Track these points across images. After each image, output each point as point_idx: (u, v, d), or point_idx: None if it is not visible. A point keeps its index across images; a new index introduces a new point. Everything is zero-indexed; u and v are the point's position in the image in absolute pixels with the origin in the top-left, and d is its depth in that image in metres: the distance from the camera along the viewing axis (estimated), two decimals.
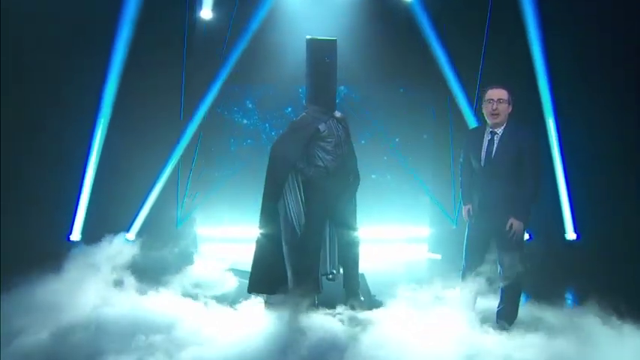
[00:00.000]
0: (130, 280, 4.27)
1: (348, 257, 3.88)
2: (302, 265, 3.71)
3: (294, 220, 3.70)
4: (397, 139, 6.36)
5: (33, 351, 3.05)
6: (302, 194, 3.74)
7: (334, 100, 3.80)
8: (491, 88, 3.46)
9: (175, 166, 5.64)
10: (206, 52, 5.92)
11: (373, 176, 6.34)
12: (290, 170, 3.70)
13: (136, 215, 5.42)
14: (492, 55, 5.22)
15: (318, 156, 3.71)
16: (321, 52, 3.65)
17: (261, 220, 3.79)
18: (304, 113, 3.84)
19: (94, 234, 5.04)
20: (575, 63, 5.11)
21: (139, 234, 5.37)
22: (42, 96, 5.07)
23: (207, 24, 5.98)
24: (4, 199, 4.81)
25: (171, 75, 5.59)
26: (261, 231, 3.81)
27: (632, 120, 5.02)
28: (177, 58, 5.66)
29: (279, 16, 5.78)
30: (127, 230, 5.32)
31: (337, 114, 3.83)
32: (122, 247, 4.65)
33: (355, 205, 3.94)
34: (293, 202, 3.72)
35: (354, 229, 3.88)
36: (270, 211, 3.74)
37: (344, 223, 3.86)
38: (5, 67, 4.85)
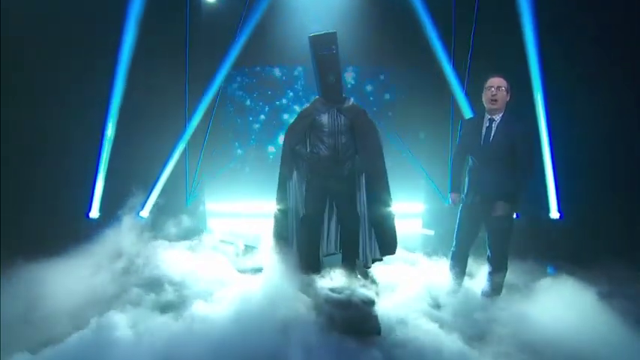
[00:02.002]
0: (145, 253, 4.67)
1: (348, 237, 4.04)
2: (304, 241, 3.96)
3: (298, 200, 3.96)
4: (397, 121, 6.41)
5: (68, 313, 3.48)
6: (304, 176, 3.99)
7: (336, 91, 3.81)
8: (492, 77, 3.63)
9: (185, 148, 5.86)
10: (211, 34, 6.00)
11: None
12: (292, 154, 3.93)
13: (149, 194, 5.66)
14: (485, 43, 5.39)
15: (314, 143, 3.92)
16: (319, 47, 3.67)
17: (276, 197, 4.06)
18: (309, 104, 4.03)
19: (111, 212, 5.40)
20: (565, 51, 5.26)
21: (152, 211, 5.66)
22: (56, 80, 5.23)
23: (211, 7, 6.08)
24: (28, 180, 5.10)
25: (178, 60, 5.74)
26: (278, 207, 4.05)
27: (617, 108, 5.27)
28: (183, 42, 5.78)
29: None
30: (141, 208, 5.60)
31: (347, 104, 3.88)
32: (137, 223, 5.03)
33: (356, 190, 4.00)
34: (299, 183, 3.97)
35: (354, 212, 3.99)
36: (282, 190, 3.99)
37: (343, 206, 4.01)
38: (22, 52, 5.03)
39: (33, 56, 5.12)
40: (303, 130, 3.94)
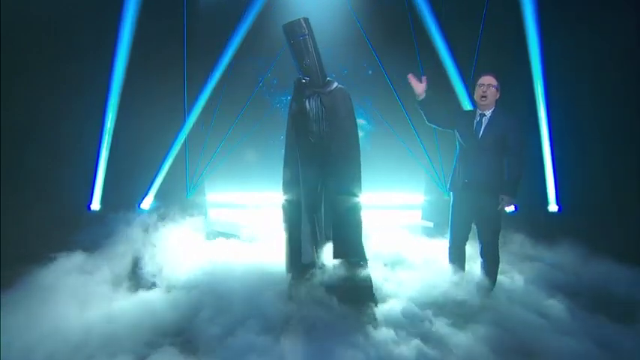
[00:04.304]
0: (145, 245, 4.68)
1: (338, 229, 3.78)
2: (299, 228, 3.80)
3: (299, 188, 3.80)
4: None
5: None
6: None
7: (314, 76, 3.68)
8: (483, 75, 3.82)
9: (185, 139, 5.89)
10: (212, 23, 5.99)
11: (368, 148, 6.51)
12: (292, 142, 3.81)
13: (150, 186, 5.72)
14: (487, 40, 5.37)
15: (302, 129, 3.75)
16: (291, 34, 3.63)
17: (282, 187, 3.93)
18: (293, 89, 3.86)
19: (112, 204, 5.46)
20: (567, 48, 5.28)
21: (153, 203, 5.72)
22: (55, 71, 5.26)
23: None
24: (28, 173, 5.16)
25: (178, 50, 5.73)
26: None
27: (618, 101, 5.30)
28: (183, 31, 5.77)
29: None
30: (142, 200, 5.68)
31: (329, 88, 3.73)
32: (138, 215, 5.08)
33: (350, 180, 3.72)
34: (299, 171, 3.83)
35: (345, 204, 3.72)
36: (286, 176, 3.85)
37: (332, 192, 3.76)
38: (21, 44, 5.06)
39: (32, 48, 5.14)
40: (292, 115, 3.81)
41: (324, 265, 3.73)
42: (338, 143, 3.68)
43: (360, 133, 3.88)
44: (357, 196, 3.69)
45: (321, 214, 3.80)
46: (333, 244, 3.70)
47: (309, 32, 3.64)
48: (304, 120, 3.73)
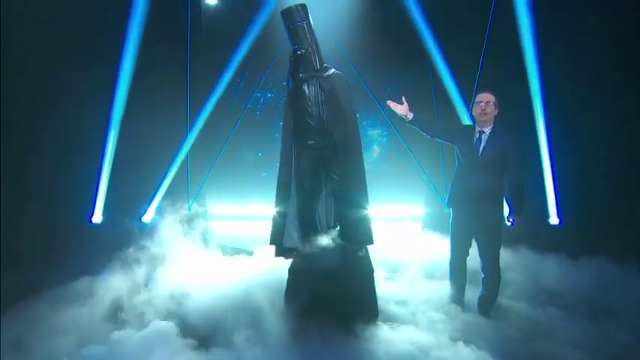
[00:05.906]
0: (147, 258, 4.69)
1: (343, 214, 3.72)
2: (299, 215, 3.77)
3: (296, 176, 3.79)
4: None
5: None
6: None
7: (312, 61, 3.69)
8: (481, 92, 3.82)
9: (187, 154, 5.89)
10: (213, 38, 6.05)
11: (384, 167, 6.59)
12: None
13: (152, 198, 5.71)
14: (487, 55, 5.33)
15: (301, 115, 3.73)
16: (289, 20, 3.66)
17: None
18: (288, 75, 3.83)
19: (113, 216, 5.47)
20: (565, 55, 5.31)
21: (155, 216, 5.64)
22: (57, 83, 5.25)
23: (213, 10, 6.12)
24: (30, 184, 5.16)
25: (181, 64, 5.69)
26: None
27: (614, 120, 5.33)
28: (186, 45, 5.73)
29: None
30: (144, 213, 5.67)
31: (327, 73, 3.75)
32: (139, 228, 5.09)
33: (354, 165, 3.68)
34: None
35: (350, 189, 3.67)
36: (284, 166, 3.81)
37: (337, 183, 3.71)
38: (22, 54, 5.06)
39: (33, 59, 5.14)
40: (289, 101, 3.80)
41: (324, 249, 3.64)
42: (339, 127, 3.65)
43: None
44: (361, 179, 3.66)
45: (322, 201, 3.76)
46: (340, 227, 3.66)
47: (307, 18, 3.66)
48: (302, 104, 3.71)
